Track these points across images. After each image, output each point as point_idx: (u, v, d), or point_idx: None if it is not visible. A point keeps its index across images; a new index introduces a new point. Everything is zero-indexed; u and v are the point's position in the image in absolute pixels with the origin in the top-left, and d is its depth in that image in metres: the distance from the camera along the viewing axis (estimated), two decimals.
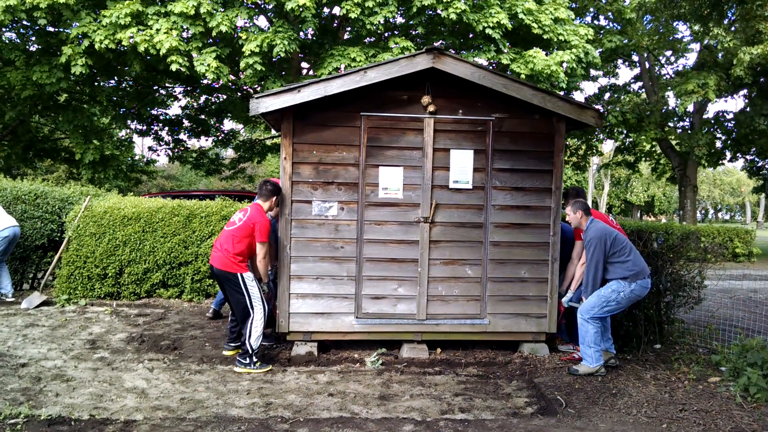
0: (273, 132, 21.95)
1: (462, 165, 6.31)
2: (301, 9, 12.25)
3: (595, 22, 20.69)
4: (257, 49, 12.17)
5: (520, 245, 6.41)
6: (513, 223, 6.40)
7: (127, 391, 5.13)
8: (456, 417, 4.71)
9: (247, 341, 5.72)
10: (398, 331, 6.34)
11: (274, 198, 6.02)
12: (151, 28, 12.00)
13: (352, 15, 12.71)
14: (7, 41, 15.04)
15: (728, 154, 22.10)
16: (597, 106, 6.58)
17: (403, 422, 4.56)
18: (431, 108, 6.21)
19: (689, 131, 20.36)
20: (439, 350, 6.54)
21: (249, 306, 5.76)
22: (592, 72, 21.74)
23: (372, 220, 6.28)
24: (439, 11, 13.71)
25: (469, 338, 6.47)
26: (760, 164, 23.22)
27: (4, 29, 14.63)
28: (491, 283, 6.39)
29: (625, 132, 21.38)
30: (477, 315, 6.40)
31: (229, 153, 28.14)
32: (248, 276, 5.79)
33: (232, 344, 6.28)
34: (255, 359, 5.75)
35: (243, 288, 5.76)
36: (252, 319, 5.75)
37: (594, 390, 5.39)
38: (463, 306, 6.39)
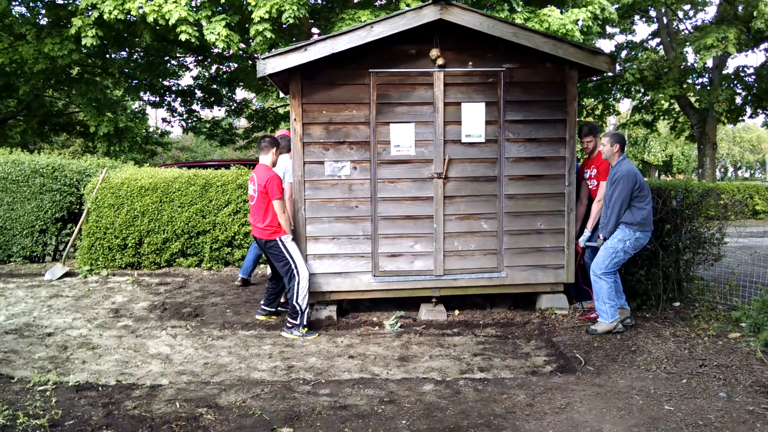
0: (285, 99, 21.85)
1: (474, 118, 6.24)
2: None
3: None
4: (267, 16, 12.01)
5: (535, 197, 6.38)
6: (527, 175, 6.36)
7: (151, 357, 5.23)
8: (475, 376, 4.75)
9: (295, 301, 5.79)
10: (416, 288, 6.36)
11: (273, 150, 5.96)
12: None
13: None
14: (17, 15, 15.01)
15: (748, 110, 21.62)
16: (609, 52, 6.45)
17: (423, 382, 4.61)
18: (440, 61, 6.12)
19: (708, 87, 19.93)
20: (457, 312, 6.58)
21: (294, 268, 5.81)
22: (609, 29, 21.28)
23: (385, 178, 6.25)
24: None
25: (486, 292, 6.48)
26: None
27: (14, 3, 14.58)
28: (507, 236, 6.38)
29: (642, 90, 20.97)
30: (494, 268, 6.40)
31: (242, 122, 28.08)
32: (287, 239, 5.83)
33: (267, 308, 6.36)
34: (305, 320, 5.82)
35: (285, 252, 5.81)
36: (298, 280, 5.80)
37: (613, 347, 5.40)
38: (479, 260, 6.39)
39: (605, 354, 5.26)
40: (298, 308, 5.79)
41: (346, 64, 6.09)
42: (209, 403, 4.15)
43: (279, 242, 5.80)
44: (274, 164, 6.00)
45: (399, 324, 6.15)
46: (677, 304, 6.64)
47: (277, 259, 5.85)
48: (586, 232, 6.30)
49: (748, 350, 5.18)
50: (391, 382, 4.60)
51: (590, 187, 6.48)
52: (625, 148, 6.01)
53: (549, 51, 6.01)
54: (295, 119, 6.11)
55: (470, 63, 6.23)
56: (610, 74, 20.95)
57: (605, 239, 5.82)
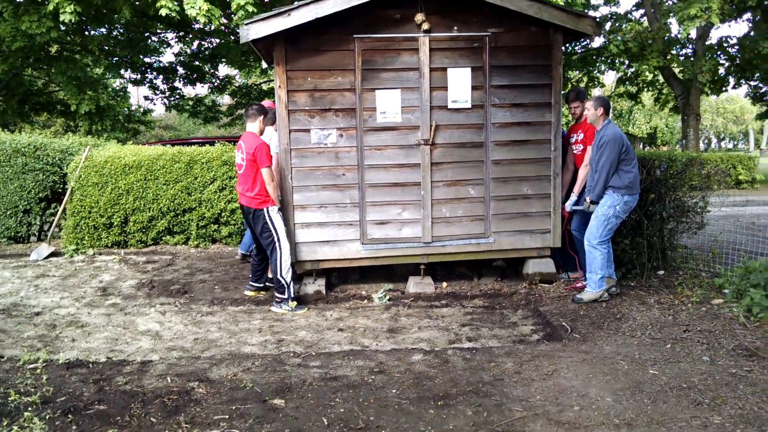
0: (269, 75, 21.63)
1: (460, 84, 6.23)
2: None
3: None
4: None
5: (521, 162, 6.41)
6: (514, 141, 6.38)
7: (141, 334, 5.23)
8: (464, 346, 4.81)
9: (279, 275, 5.81)
10: (405, 255, 6.40)
11: (260, 118, 5.93)
12: None
13: None
14: None
15: (732, 81, 21.73)
16: (596, 16, 6.48)
17: (413, 352, 4.66)
18: (425, 26, 6.09)
19: (692, 58, 19.97)
20: (445, 284, 6.63)
21: (276, 241, 5.82)
22: (593, 1, 21.20)
23: (372, 146, 6.24)
24: None
25: (475, 258, 6.54)
26: (763, 90, 22.86)
27: None
28: (494, 201, 6.42)
29: (626, 62, 20.97)
30: (482, 234, 6.45)
31: (225, 100, 27.80)
32: (273, 210, 5.83)
33: (255, 284, 6.38)
34: (292, 293, 5.85)
35: (270, 224, 5.81)
36: (280, 254, 5.81)
37: (598, 315, 5.48)
38: (467, 226, 6.43)
39: (591, 322, 5.34)
40: (282, 282, 5.80)
41: (331, 30, 6.04)
42: (200, 377, 4.18)
43: (266, 213, 5.79)
44: (261, 132, 5.97)
45: (387, 297, 6.19)
46: (661, 272, 6.74)
47: (261, 229, 5.85)
48: (573, 197, 6.34)
49: (730, 315, 5.28)
50: (380, 353, 4.65)
51: (575, 152, 6.51)
52: (610, 113, 6.03)
53: (534, 14, 6.00)
54: (279, 86, 6.06)
55: (455, 28, 6.20)
56: (594, 43, 20.96)
57: (592, 202, 5.87)
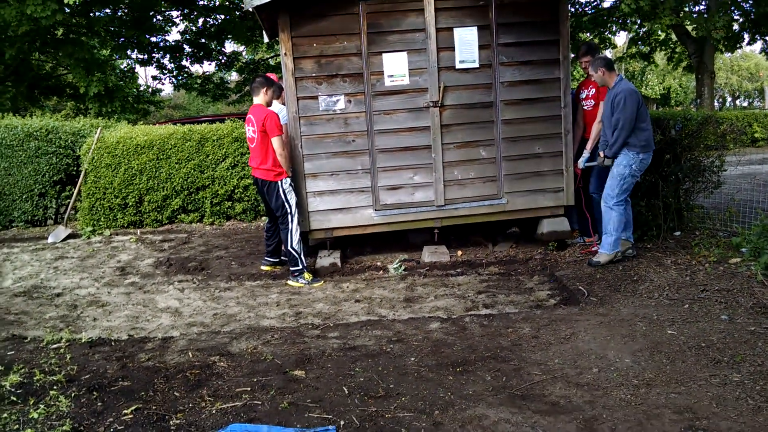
0: (275, 50, 21.49)
1: (467, 43, 6.18)
2: None
3: None
4: None
5: (531, 121, 6.37)
6: (523, 99, 6.33)
7: (161, 311, 5.30)
8: (481, 313, 4.83)
9: (290, 246, 5.86)
10: (417, 219, 6.40)
11: (264, 89, 5.89)
12: None
13: None
14: None
15: (746, 37, 21.26)
16: None
17: (430, 321, 4.69)
18: None
19: (705, 15, 19.55)
20: (460, 253, 6.63)
21: (289, 213, 5.85)
22: None
23: (381, 110, 6.21)
24: None
25: (488, 219, 6.52)
26: None
27: None
28: (506, 162, 6.38)
29: (638, 21, 20.58)
30: (494, 195, 6.42)
31: (233, 77, 27.67)
32: (286, 183, 5.85)
33: (271, 259, 6.42)
34: (305, 264, 5.91)
35: (283, 197, 5.84)
36: (290, 227, 5.85)
37: (615, 278, 5.47)
38: (479, 188, 6.41)
39: (608, 285, 5.33)
40: (294, 254, 5.85)
41: None
42: (221, 351, 4.23)
43: (280, 185, 5.81)
44: (268, 104, 5.95)
45: (403, 267, 6.21)
46: (678, 233, 6.68)
47: (275, 201, 5.88)
48: (585, 153, 6.27)
49: (748, 274, 5.24)
50: (398, 323, 4.68)
51: (586, 108, 6.43)
52: (616, 68, 5.93)
53: None
54: (285, 54, 6.02)
55: None
56: (605, 2, 20.54)
57: (607, 157, 5.81)
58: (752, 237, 5.78)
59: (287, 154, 5.89)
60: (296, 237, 5.86)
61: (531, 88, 6.31)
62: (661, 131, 6.39)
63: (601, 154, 5.89)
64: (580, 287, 5.29)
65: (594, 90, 6.28)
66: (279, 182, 5.80)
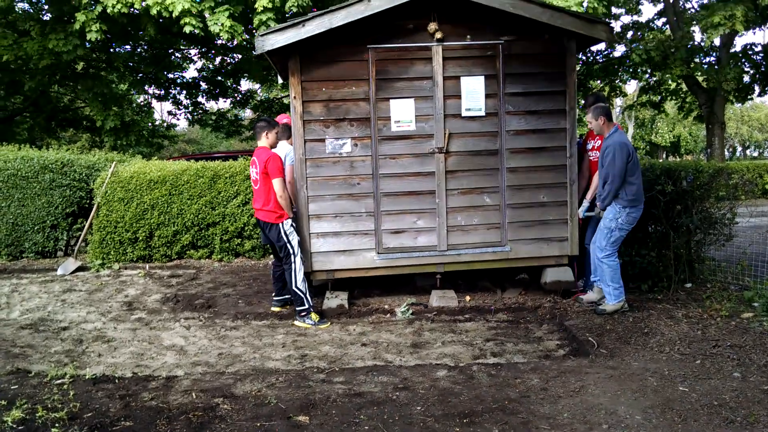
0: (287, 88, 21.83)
1: (473, 92, 6.24)
2: None
3: None
4: (270, 5, 11.95)
5: (537, 169, 6.37)
6: (529, 148, 6.35)
7: (166, 348, 5.27)
8: (488, 361, 4.77)
9: (294, 286, 5.85)
10: (420, 264, 6.38)
11: (266, 132, 5.94)
12: None
13: None
14: (21, 12, 15.01)
15: (757, 89, 21.40)
16: (609, 22, 6.43)
17: (437, 368, 4.63)
18: (438, 35, 6.11)
19: (716, 66, 19.74)
20: (468, 298, 6.59)
21: (292, 253, 5.86)
22: (614, 10, 21.06)
23: (386, 155, 6.26)
24: None
25: (491, 266, 6.49)
26: None
27: (17, 0, 14.57)
28: (510, 209, 6.38)
29: (649, 71, 20.81)
30: (498, 242, 6.40)
31: (247, 113, 28.07)
32: (288, 224, 5.87)
33: (279, 299, 6.40)
34: (311, 303, 5.90)
35: (285, 238, 5.86)
36: (294, 268, 5.86)
37: (625, 330, 5.40)
38: (483, 234, 6.39)
39: (618, 336, 5.26)
40: (299, 293, 5.84)
41: (345, 40, 6.09)
42: (225, 393, 4.19)
43: (281, 226, 5.83)
44: (272, 146, 6.00)
45: (410, 311, 6.17)
46: (689, 285, 6.63)
47: (277, 242, 5.91)
48: (585, 203, 6.30)
49: (761, 330, 5.17)
50: (404, 369, 4.62)
51: (591, 158, 6.46)
52: (613, 118, 6.03)
53: (547, 21, 5.98)
54: (294, 97, 6.11)
55: (468, 36, 6.21)
56: (616, 52, 20.80)
57: (602, 209, 5.86)
58: (765, 291, 5.72)
59: (288, 196, 5.93)
60: (300, 276, 5.87)
61: (537, 137, 6.35)
62: (673, 182, 6.39)
63: (598, 205, 5.94)
64: (590, 338, 5.22)
65: (599, 142, 6.33)
66: (280, 224, 5.83)
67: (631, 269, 6.54)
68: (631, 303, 6.03)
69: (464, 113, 6.26)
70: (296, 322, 5.88)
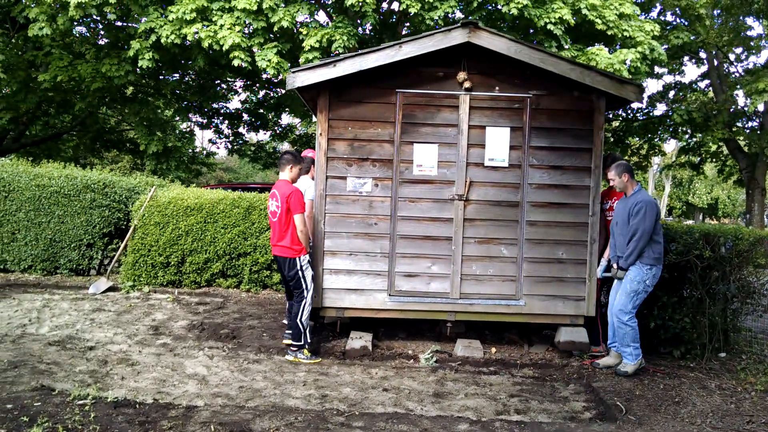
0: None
1: (498, 142, 6.25)
2: (360, 4, 12.29)
3: (662, 17, 20.01)
4: (317, 45, 12.26)
5: (557, 225, 6.31)
6: (550, 203, 6.30)
7: (188, 377, 5.27)
8: (512, 418, 4.66)
9: (299, 319, 5.86)
10: (431, 310, 6.31)
11: (290, 166, 5.98)
12: (215, 24, 12.26)
13: (412, 10, 12.65)
14: (78, 35, 15.63)
15: None
16: (640, 83, 6.41)
17: (458, 421, 4.54)
18: (467, 84, 6.17)
19: (759, 132, 19.49)
20: (494, 350, 6.48)
21: (305, 290, 5.89)
22: (657, 69, 21.05)
23: (406, 197, 6.27)
24: (499, 6, 13.50)
25: (504, 319, 6.41)
26: None
27: (75, 24, 15.20)
28: (527, 263, 6.30)
29: (690, 132, 20.64)
30: (512, 296, 6.31)
31: (286, 147, 28.53)
32: (304, 260, 5.91)
33: (291, 332, 6.39)
34: (308, 340, 5.88)
35: (300, 274, 5.89)
36: (305, 303, 5.88)
37: (655, 397, 5.24)
38: (498, 286, 6.31)
39: (647, 403, 5.10)
40: (300, 327, 5.84)
41: (374, 83, 6.20)
42: (243, 429, 4.16)
43: (299, 261, 5.87)
44: (294, 180, 6.07)
45: (434, 358, 6.09)
46: (723, 354, 6.42)
47: (292, 276, 5.93)
48: (603, 262, 6.18)
49: None
50: (425, 419, 4.54)
51: (609, 218, 6.38)
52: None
53: (576, 78, 6.00)
54: (320, 134, 6.21)
55: (497, 88, 6.26)
56: (657, 110, 20.70)
57: (621, 269, 5.76)
58: None
59: (307, 231, 5.98)
60: (307, 311, 5.89)
61: (559, 192, 6.31)
62: (711, 247, 6.26)
63: (614, 266, 5.83)
64: (618, 403, 5.08)
65: (617, 201, 6.26)
66: (297, 258, 5.88)
67: (663, 333, 6.38)
68: (662, 369, 5.87)
69: (487, 162, 6.27)
70: (288, 357, 5.88)
